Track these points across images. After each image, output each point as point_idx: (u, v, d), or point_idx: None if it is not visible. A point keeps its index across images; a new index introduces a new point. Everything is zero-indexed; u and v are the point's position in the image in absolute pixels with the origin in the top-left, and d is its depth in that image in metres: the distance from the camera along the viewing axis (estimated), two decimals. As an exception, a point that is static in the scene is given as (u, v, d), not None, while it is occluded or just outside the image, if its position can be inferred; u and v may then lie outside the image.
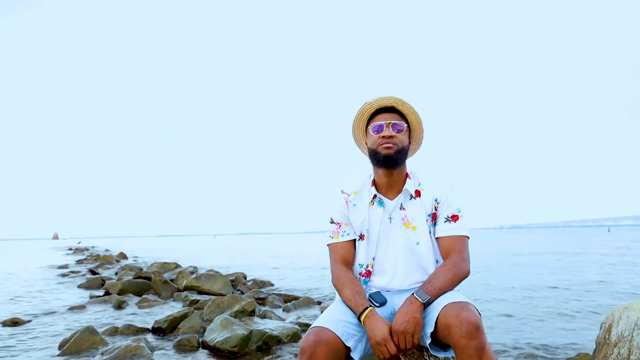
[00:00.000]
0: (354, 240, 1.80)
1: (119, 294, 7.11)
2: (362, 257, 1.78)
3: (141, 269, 11.08)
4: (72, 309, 5.93)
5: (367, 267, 1.77)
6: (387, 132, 1.70)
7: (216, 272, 8.99)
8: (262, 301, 6.42)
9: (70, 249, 35.18)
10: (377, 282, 1.77)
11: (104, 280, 9.05)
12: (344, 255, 1.77)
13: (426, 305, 1.49)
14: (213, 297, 6.06)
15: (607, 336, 1.79)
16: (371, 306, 1.56)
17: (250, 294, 6.68)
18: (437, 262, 1.72)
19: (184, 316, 4.65)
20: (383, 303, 1.61)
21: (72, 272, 12.14)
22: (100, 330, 4.43)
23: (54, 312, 5.73)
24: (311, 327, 1.50)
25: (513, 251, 19.32)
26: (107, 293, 7.39)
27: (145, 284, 7.54)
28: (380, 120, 1.73)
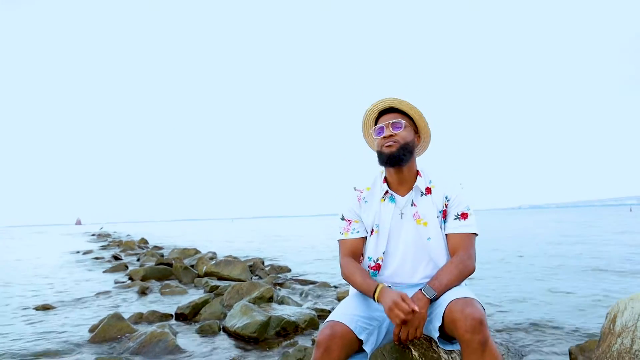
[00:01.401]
0: (364, 238, 1.88)
1: (142, 280, 7.38)
2: (372, 250, 1.86)
3: (162, 255, 11.41)
4: (98, 294, 6.20)
5: (377, 260, 1.85)
6: (387, 132, 1.78)
7: (235, 257, 9.21)
8: (279, 286, 6.59)
9: (94, 235, 36.12)
10: (386, 277, 1.85)
11: (127, 267, 9.36)
12: (353, 250, 1.86)
13: (433, 300, 1.58)
14: (232, 282, 6.25)
15: (611, 326, 1.85)
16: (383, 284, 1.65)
17: (268, 280, 6.86)
18: (447, 257, 1.80)
19: (205, 302, 4.83)
20: None
21: (96, 258, 12.55)
22: (126, 316, 4.64)
23: (81, 298, 5.99)
24: (326, 320, 1.61)
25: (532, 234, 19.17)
26: (130, 279, 7.68)
27: (167, 270, 7.79)
28: (381, 122, 1.82)
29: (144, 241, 18.61)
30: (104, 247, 18.23)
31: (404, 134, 1.78)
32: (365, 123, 1.91)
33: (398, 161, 1.77)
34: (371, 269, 1.86)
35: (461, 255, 1.71)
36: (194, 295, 6.06)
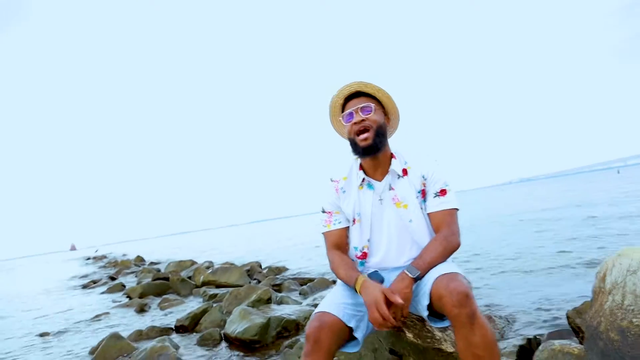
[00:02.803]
0: (347, 228, 1.87)
1: (140, 297, 7.31)
2: (356, 240, 1.85)
3: (159, 270, 11.30)
4: (97, 316, 6.12)
5: (363, 249, 1.84)
6: (357, 117, 1.74)
7: (232, 264, 9.16)
8: (278, 287, 6.56)
9: (89, 259, 35.73)
10: (374, 264, 1.84)
11: (124, 285, 9.27)
12: (337, 242, 1.84)
13: (417, 279, 1.56)
14: (231, 289, 6.21)
15: (602, 285, 1.85)
16: (363, 276, 1.63)
17: (266, 282, 6.83)
18: (431, 236, 1.78)
19: (204, 311, 4.79)
20: (381, 282, 1.68)
21: (93, 281, 12.41)
22: (125, 334, 4.59)
23: (80, 321, 5.92)
24: (314, 313, 1.59)
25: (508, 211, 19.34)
26: (128, 297, 7.59)
27: (164, 284, 7.72)
28: (349, 108, 1.78)
29: (139, 259, 18.44)
30: (100, 269, 18.04)
31: (375, 117, 1.75)
32: (332, 111, 1.87)
33: (375, 150, 1.75)
34: (358, 258, 1.85)
35: (444, 232, 1.70)
36: (193, 305, 6.02)
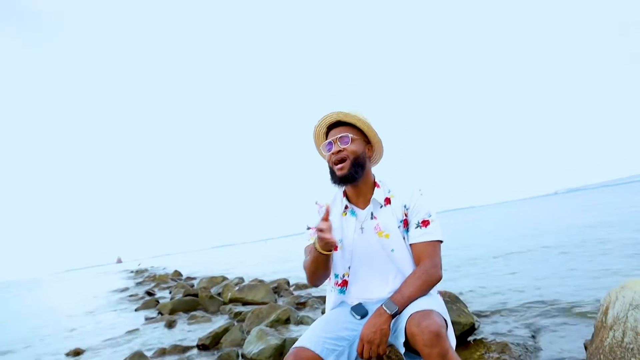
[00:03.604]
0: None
1: (170, 313, 7.50)
2: (337, 267, 1.85)
3: (192, 286, 11.57)
4: (128, 333, 6.33)
5: (343, 276, 1.84)
6: (335, 147, 1.77)
7: (260, 281, 9.25)
8: (302, 305, 6.57)
9: (132, 272, 37.01)
10: (355, 293, 1.83)
11: (157, 301, 9.54)
12: None
13: (395, 315, 1.55)
14: (256, 307, 6.28)
15: (604, 319, 1.76)
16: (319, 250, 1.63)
17: (290, 300, 6.86)
18: (415, 267, 1.76)
19: (225, 330, 4.87)
20: (364, 315, 1.68)
21: (131, 295, 12.85)
22: (150, 352, 4.73)
23: (112, 338, 6.14)
24: (293, 347, 1.60)
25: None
26: (160, 313, 7.81)
27: (193, 300, 7.90)
28: (330, 137, 1.81)
29: (177, 273, 18.91)
30: (139, 283, 18.64)
31: (352, 147, 1.76)
32: (316, 139, 1.90)
33: (351, 180, 1.76)
34: (338, 286, 1.84)
35: (425, 265, 1.67)
36: (219, 323, 6.11)
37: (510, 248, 10.19)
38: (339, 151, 1.75)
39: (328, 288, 1.89)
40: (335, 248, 1.82)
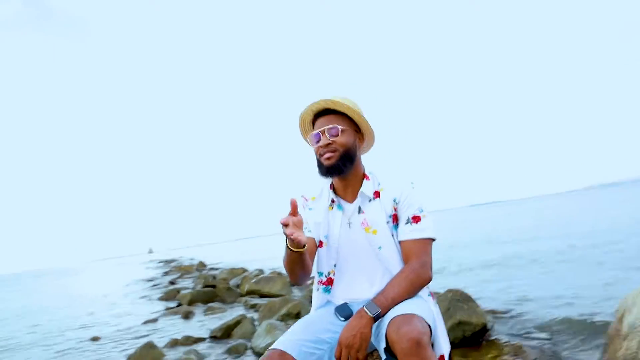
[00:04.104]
0: (314, 242, 1.72)
1: (189, 304, 7.58)
2: (322, 264, 1.73)
3: (214, 277, 11.71)
4: (145, 322, 6.43)
5: (329, 274, 1.71)
6: (323, 140, 1.63)
7: (279, 273, 9.25)
8: (317, 299, 6.50)
9: (161, 262, 37.96)
10: (340, 292, 1.71)
11: (178, 291, 9.69)
12: None
13: (377, 318, 1.43)
14: (272, 299, 6.26)
15: (619, 327, 1.59)
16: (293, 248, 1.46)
17: (306, 293, 6.80)
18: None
19: (237, 323, 4.86)
20: (349, 316, 1.55)
21: (155, 285, 13.12)
22: (163, 342, 4.77)
23: (131, 327, 6.25)
24: (268, 349, 1.50)
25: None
26: (179, 304, 7.92)
27: (211, 292, 7.96)
28: (317, 128, 1.67)
29: (202, 264, 19.22)
30: (166, 273, 19.05)
31: (342, 139, 1.62)
32: (302, 128, 1.76)
33: (339, 172, 1.63)
34: (323, 284, 1.72)
35: (413, 264, 1.54)
36: (234, 315, 6.13)
37: (535, 247, 9.79)
38: (328, 144, 1.62)
39: (314, 287, 1.78)
40: (321, 244, 1.72)
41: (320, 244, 1.72)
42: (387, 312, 1.44)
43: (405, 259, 1.60)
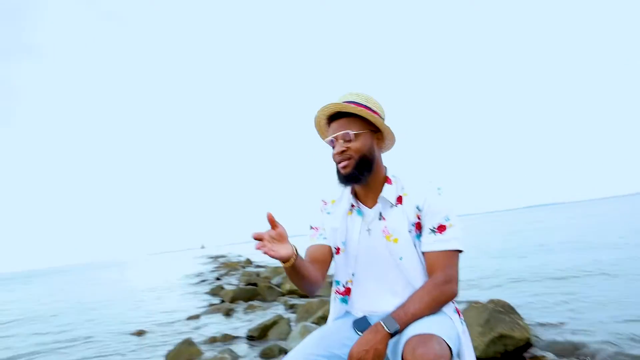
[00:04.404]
0: (330, 248, 1.64)
1: (231, 301, 7.72)
2: (340, 272, 1.63)
3: (258, 275, 11.89)
4: (189, 318, 6.61)
5: (347, 284, 1.62)
6: (337, 147, 1.53)
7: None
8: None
9: (210, 258, 39.19)
10: (359, 303, 1.60)
11: (222, 288, 9.92)
12: (315, 255, 1.61)
13: (395, 334, 1.32)
14: (311, 300, 6.23)
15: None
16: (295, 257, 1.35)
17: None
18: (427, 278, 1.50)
19: (273, 323, 4.86)
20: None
21: (203, 280, 13.52)
22: (203, 339, 4.87)
23: (174, 322, 6.45)
24: None
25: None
26: (222, 301, 8.09)
27: (253, 290, 8.07)
28: (331, 131, 1.57)
29: (248, 262, 19.61)
30: (214, 269, 19.62)
31: (357, 144, 1.51)
32: (319, 130, 1.67)
33: (356, 180, 1.53)
34: (340, 294, 1.62)
35: (437, 278, 1.41)
36: (273, 314, 6.16)
37: (594, 256, 9.06)
38: (342, 151, 1.52)
39: (331, 296, 1.69)
40: (338, 251, 1.62)
41: (338, 250, 1.62)
42: (405, 328, 1.33)
43: (429, 271, 1.47)
